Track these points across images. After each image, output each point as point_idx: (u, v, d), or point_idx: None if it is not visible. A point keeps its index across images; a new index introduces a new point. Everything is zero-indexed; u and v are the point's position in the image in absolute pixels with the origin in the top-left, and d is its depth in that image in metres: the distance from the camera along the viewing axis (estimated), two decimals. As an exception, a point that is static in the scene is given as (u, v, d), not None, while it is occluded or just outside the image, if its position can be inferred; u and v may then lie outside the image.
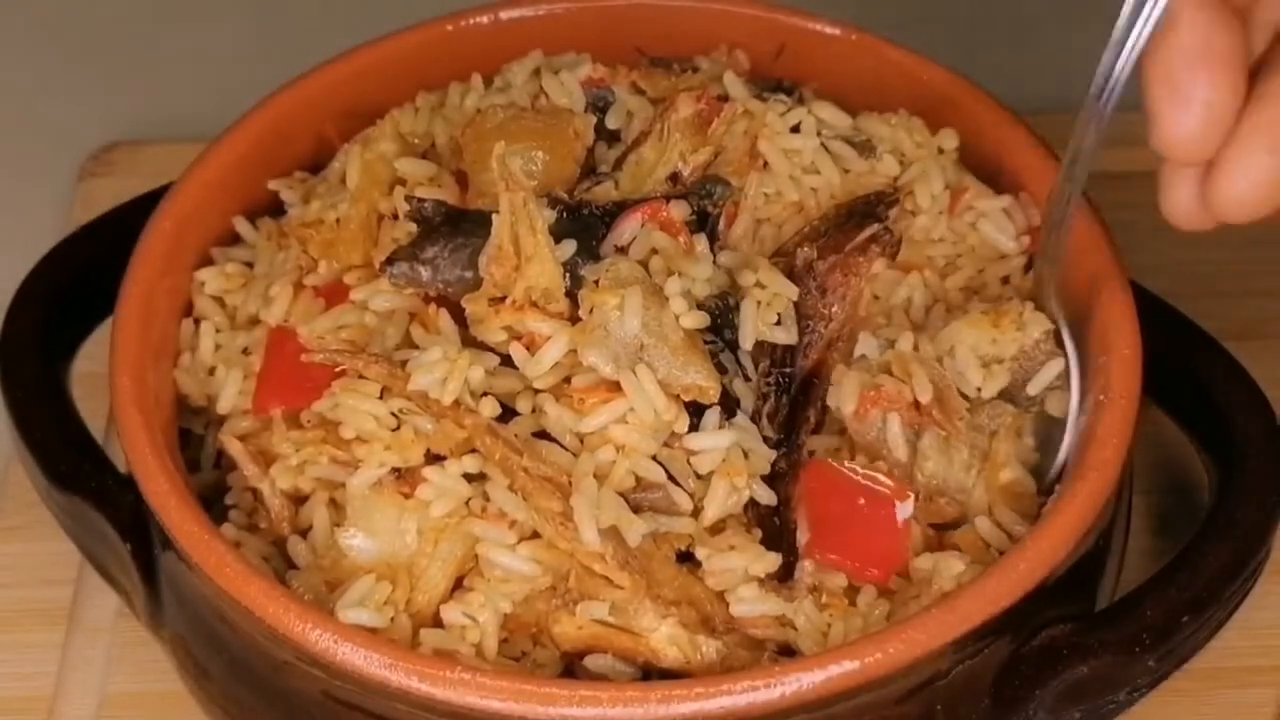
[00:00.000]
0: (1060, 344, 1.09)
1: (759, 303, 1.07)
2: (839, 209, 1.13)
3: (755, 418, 1.06)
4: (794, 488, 1.05)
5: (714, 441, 1.03)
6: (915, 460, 1.06)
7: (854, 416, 1.07)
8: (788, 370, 1.08)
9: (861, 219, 1.13)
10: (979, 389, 1.08)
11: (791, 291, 1.08)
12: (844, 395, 1.07)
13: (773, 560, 1.02)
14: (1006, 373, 1.08)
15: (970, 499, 1.06)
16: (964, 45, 1.30)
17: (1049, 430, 1.09)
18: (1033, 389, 1.08)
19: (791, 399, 1.07)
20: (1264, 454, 1.09)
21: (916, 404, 1.06)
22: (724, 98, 1.17)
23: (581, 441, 1.02)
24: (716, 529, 1.03)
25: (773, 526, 1.04)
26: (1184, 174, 0.95)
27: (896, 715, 0.99)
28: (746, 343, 1.06)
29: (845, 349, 1.11)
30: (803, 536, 1.03)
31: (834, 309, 1.10)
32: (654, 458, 1.02)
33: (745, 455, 1.03)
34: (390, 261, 1.07)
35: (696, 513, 1.03)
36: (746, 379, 1.06)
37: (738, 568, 1.02)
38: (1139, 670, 1.02)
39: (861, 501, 1.04)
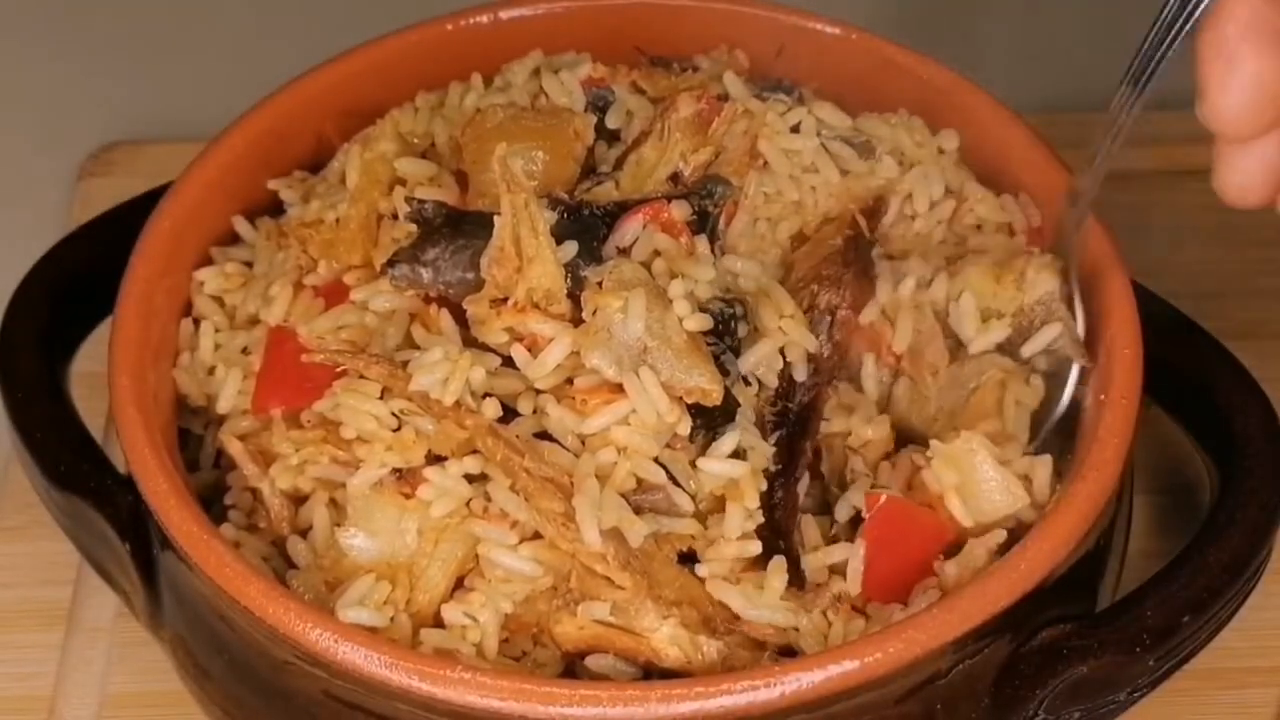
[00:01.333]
0: (1071, 305, 1.09)
1: (780, 349, 1.07)
2: (847, 241, 1.12)
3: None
4: (792, 520, 1.04)
5: (729, 470, 1.03)
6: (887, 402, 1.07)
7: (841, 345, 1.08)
8: (789, 404, 1.07)
9: (868, 250, 1.12)
10: (969, 342, 1.08)
11: (811, 344, 1.08)
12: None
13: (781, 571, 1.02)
14: (1006, 328, 1.08)
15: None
16: (964, 44, 1.30)
17: (1052, 383, 1.09)
18: (1026, 350, 1.09)
19: (790, 431, 1.07)
20: (1264, 454, 1.09)
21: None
22: (724, 97, 1.17)
23: (583, 443, 1.02)
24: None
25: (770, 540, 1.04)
26: (1235, 150, 0.95)
27: (896, 715, 0.99)
28: (768, 379, 1.06)
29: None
30: (854, 573, 1.03)
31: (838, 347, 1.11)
32: (655, 459, 1.02)
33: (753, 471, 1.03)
34: (391, 263, 1.07)
35: (697, 513, 1.03)
36: (747, 383, 1.06)
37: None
38: (1139, 670, 1.02)
39: (921, 546, 1.04)
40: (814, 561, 1.03)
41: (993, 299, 1.09)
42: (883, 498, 1.03)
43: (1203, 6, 0.96)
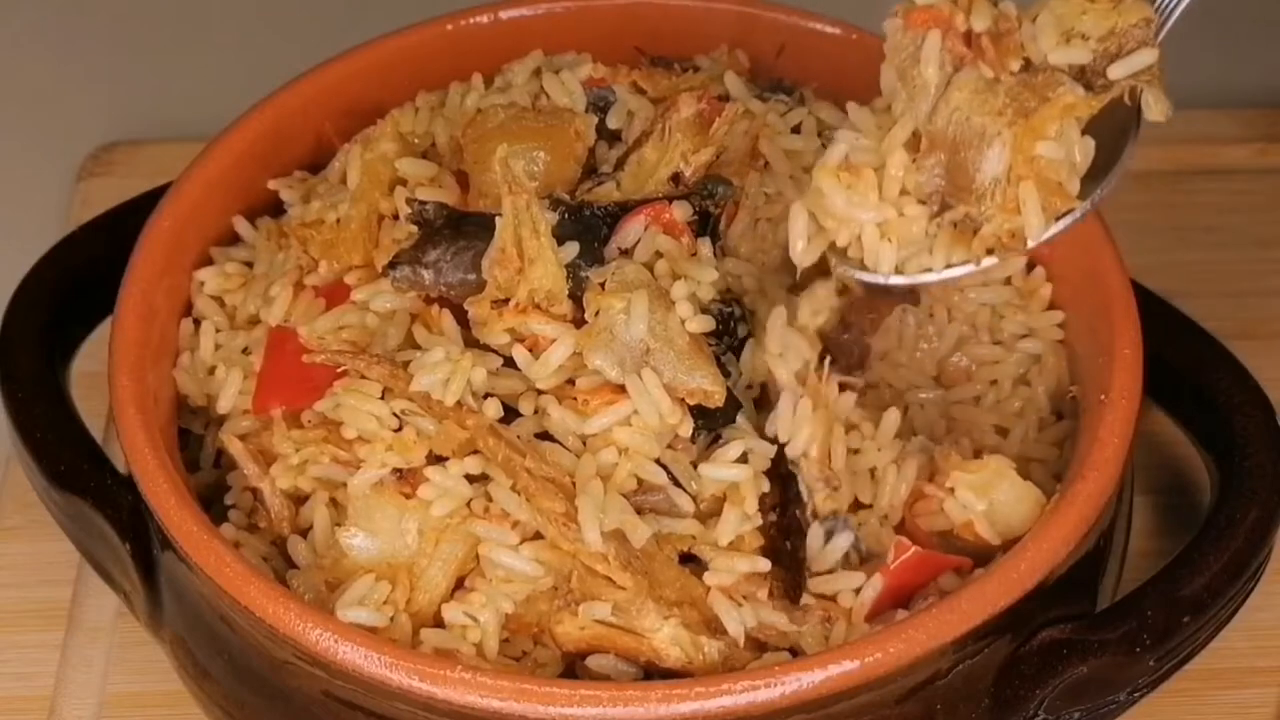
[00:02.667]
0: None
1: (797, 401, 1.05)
2: None
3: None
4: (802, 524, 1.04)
5: (730, 474, 1.03)
6: (941, 94, 1.00)
7: (900, 30, 1.01)
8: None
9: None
10: (1046, 55, 1.00)
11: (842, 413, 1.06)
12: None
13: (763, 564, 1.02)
14: (1088, 51, 1.00)
15: (985, 160, 1.01)
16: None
17: (1112, 136, 1.02)
18: (1117, 71, 1.00)
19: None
20: (1265, 454, 1.09)
21: (967, 36, 0.99)
22: (725, 98, 1.17)
23: (584, 443, 1.02)
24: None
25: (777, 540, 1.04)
26: None
27: (896, 715, 0.99)
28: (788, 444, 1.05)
29: None
30: (863, 604, 1.02)
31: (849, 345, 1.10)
32: (657, 460, 1.02)
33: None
34: (393, 265, 1.07)
35: (698, 514, 1.03)
36: (748, 386, 1.06)
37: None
38: (1139, 671, 1.02)
39: (933, 576, 1.04)
40: (823, 583, 1.03)
41: (1080, 18, 1.00)
42: (911, 550, 1.03)
43: None
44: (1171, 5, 1.01)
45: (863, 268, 1.04)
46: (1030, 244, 1.01)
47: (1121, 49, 1.00)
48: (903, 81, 1.01)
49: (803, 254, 1.04)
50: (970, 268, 1.03)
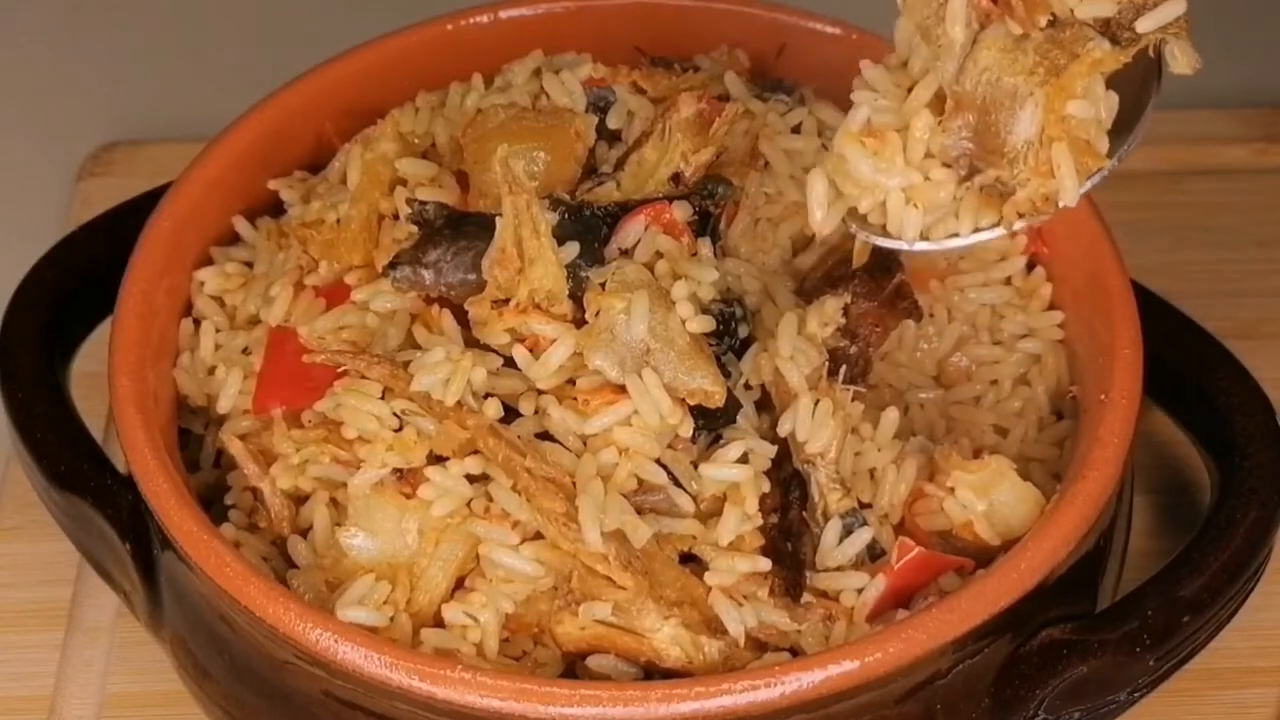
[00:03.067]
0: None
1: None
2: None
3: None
4: (803, 525, 1.04)
5: (731, 474, 1.03)
6: (967, 53, 0.96)
7: None
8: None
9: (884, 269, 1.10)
10: (1072, 9, 0.96)
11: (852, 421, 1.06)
12: None
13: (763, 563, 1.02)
14: (1112, 3, 0.96)
15: (1017, 121, 0.97)
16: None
17: (1131, 87, 0.98)
18: (1146, 24, 0.96)
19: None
20: (1265, 454, 1.09)
21: None
22: (725, 98, 1.17)
23: (584, 443, 1.02)
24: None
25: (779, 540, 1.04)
26: None
27: (896, 715, 0.99)
28: (798, 435, 1.05)
29: None
30: (865, 604, 1.02)
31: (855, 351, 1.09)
32: (657, 460, 1.02)
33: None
34: (393, 265, 1.07)
35: (699, 514, 1.03)
36: (748, 387, 1.06)
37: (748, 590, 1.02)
38: (1139, 670, 1.02)
39: (935, 577, 1.03)
40: (826, 580, 1.03)
41: None
42: (915, 550, 1.03)
43: None
44: None
45: (884, 234, 1.01)
46: (1064, 205, 0.99)
47: (1148, 1, 0.96)
48: (925, 39, 0.98)
49: (823, 222, 1.02)
50: (1000, 231, 1.01)
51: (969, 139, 0.99)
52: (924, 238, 1.02)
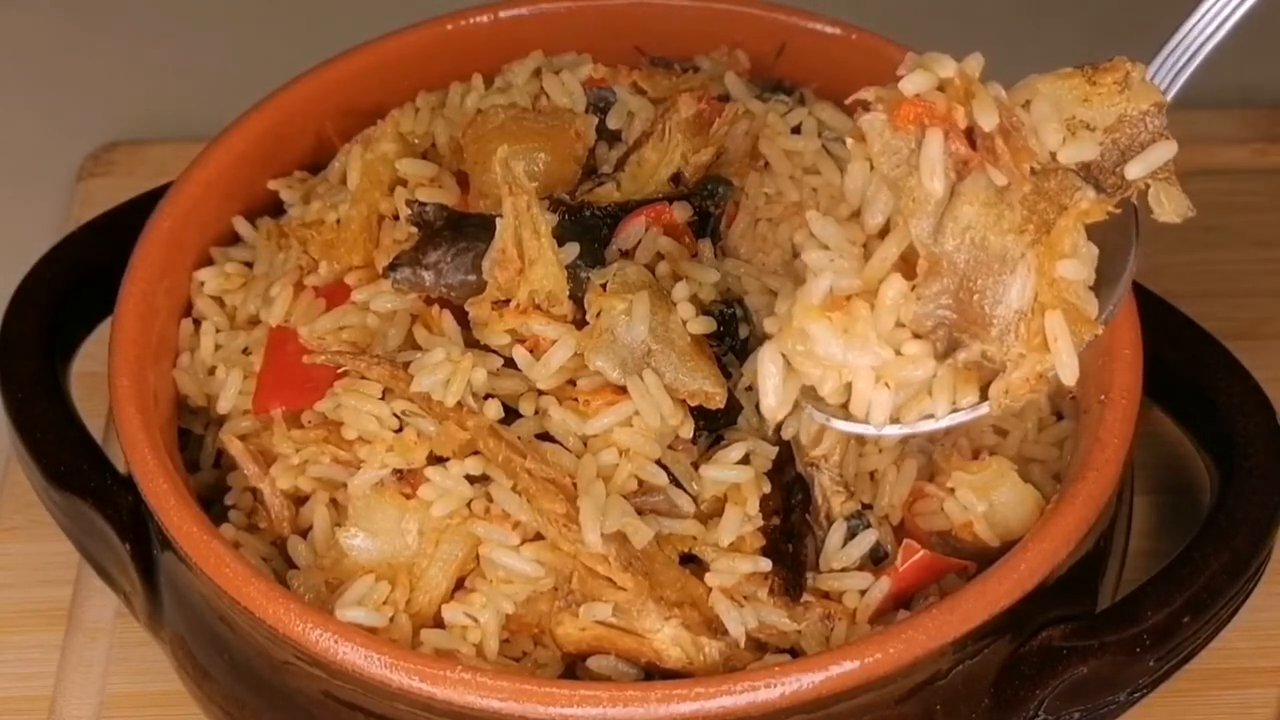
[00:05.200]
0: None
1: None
2: None
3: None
4: (804, 526, 1.04)
5: (732, 475, 1.03)
6: (946, 209, 0.83)
7: (887, 128, 0.84)
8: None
9: None
10: (1053, 154, 0.85)
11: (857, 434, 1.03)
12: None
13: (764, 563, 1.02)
14: (1095, 145, 0.86)
15: (1007, 288, 0.86)
16: (966, 45, 1.30)
17: (1114, 250, 0.88)
18: (1135, 170, 0.87)
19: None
20: (1264, 454, 1.09)
21: (969, 134, 0.82)
22: (725, 98, 1.17)
23: (585, 444, 1.02)
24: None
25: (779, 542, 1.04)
26: None
27: (896, 715, 0.99)
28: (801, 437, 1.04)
29: None
30: (868, 605, 1.02)
31: None
32: (657, 461, 1.02)
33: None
34: (393, 266, 1.07)
35: (699, 515, 1.03)
36: (749, 388, 1.07)
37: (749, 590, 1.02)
38: (1139, 671, 1.02)
39: (936, 579, 1.04)
40: (829, 581, 1.03)
41: (1081, 105, 0.86)
42: (919, 553, 1.03)
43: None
44: (1171, 81, 0.91)
45: (846, 415, 0.91)
46: (1064, 384, 0.88)
47: (1134, 141, 0.88)
48: (893, 191, 0.86)
49: (776, 408, 0.91)
50: (983, 410, 0.90)
51: (949, 307, 0.88)
52: (894, 420, 0.92)
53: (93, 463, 1.11)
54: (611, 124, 1.16)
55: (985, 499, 1.03)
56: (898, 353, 0.88)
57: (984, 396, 0.92)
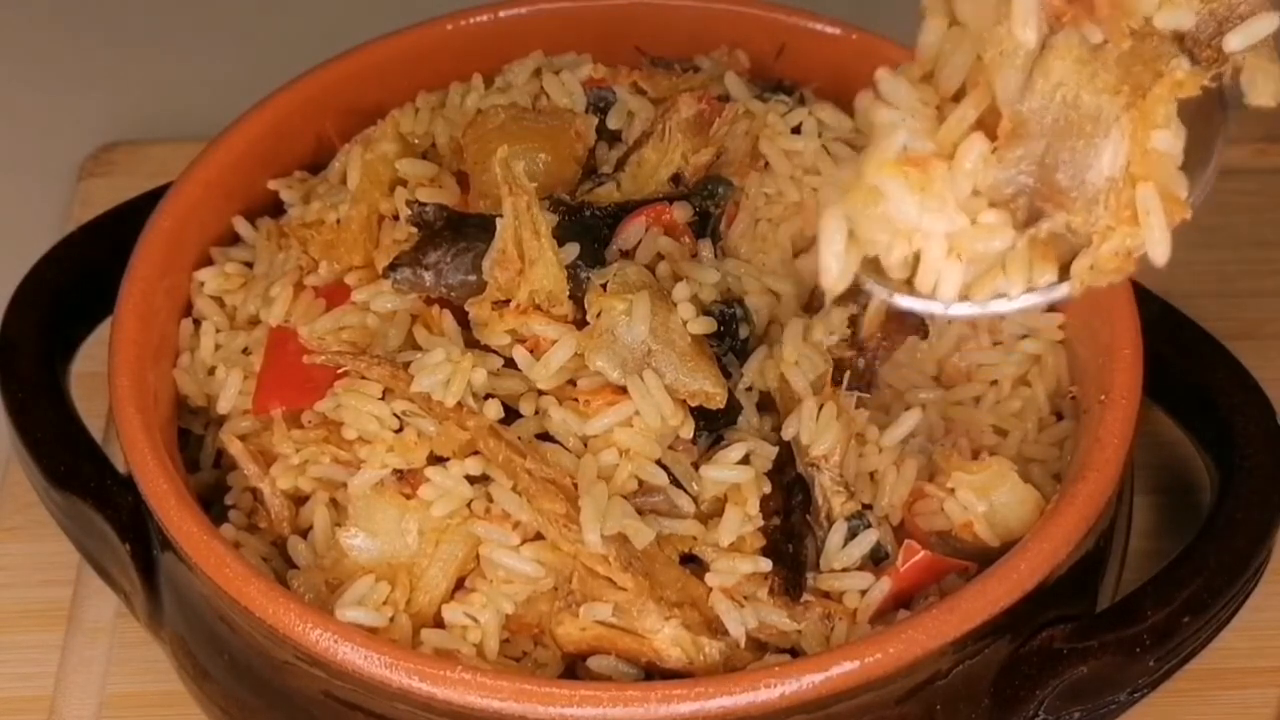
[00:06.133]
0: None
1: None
2: None
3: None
4: (805, 526, 1.04)
5: (732, 475, 1.03)
6: (1036, 64, 0.76)
7: None
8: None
9: None
10: (1147, 19, 0.78)
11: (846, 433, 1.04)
12: None
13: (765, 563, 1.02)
14: (1191, 13, 0.79)
15: (1099, 153, 0.79)
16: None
17: (1193, 142, 0.80)
18: (1234, 41, 0.79)
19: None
20: (1264, 454, 1.09)
21: None
22: (725, 98, 1.17)
23: (585, 444, 1.02)
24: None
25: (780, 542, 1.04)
26: None
27: (896, 715, 0.99)
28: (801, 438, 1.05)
29: None
30: (869, 605, 1.02)
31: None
32: (658, 461, 1.02)
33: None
34: (393, 267, 1.07)
35: (699, 515, 1.03)
36: (749, 389, 1.06)
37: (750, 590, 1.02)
38: (1139, 671, 1.02)
39: (937, 579, 1.04)
40: (830, 581, 1.03)
41: None
42: (920, 553, 1.03)
43: None
44: None
45: (911, 291, 0.84)
46: (1153, 263, 0.82)
47: (1232, 12, 0.80)
48: (978, 44, 0.78)
49: (838, 278, 0.83)
50: (1062, 292, 0.84)
51: (1030, 173, 0.81)
52: (963, 297, 0.84)
53: (93, 463, 1.11)
54: (611, 124, 1.16)
55: (985, 499, 1.03)
56: (973, 223, 0.81)
57: (1063, 277, 0.85)
